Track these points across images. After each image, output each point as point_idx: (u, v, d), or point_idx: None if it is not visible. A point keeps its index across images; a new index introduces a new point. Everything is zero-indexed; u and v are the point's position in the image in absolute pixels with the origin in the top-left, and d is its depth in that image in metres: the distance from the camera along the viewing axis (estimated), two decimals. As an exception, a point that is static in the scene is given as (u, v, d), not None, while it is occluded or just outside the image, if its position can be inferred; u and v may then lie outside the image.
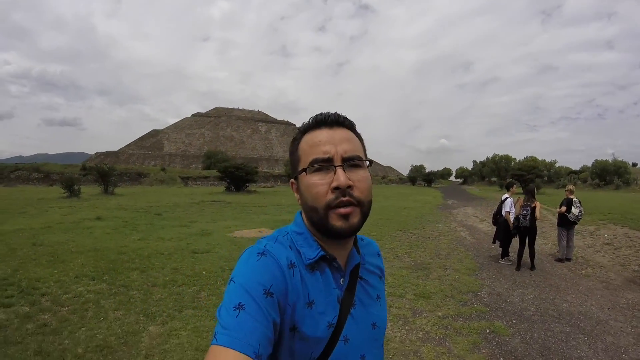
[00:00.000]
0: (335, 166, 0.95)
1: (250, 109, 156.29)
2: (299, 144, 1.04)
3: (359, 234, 1.18)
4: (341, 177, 0.93)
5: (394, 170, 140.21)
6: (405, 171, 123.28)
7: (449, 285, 6.81)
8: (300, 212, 1.09)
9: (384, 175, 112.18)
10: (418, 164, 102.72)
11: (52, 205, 19.91)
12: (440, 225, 15.08)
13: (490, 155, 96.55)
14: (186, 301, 5.71)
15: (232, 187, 36.73)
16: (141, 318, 5.06)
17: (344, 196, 0.93)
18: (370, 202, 1.00)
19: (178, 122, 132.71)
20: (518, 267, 8.19)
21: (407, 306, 5.76)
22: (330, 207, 0.94)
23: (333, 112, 1.04)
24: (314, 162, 0.97)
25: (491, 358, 4.21)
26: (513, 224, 8.64)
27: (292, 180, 1.08)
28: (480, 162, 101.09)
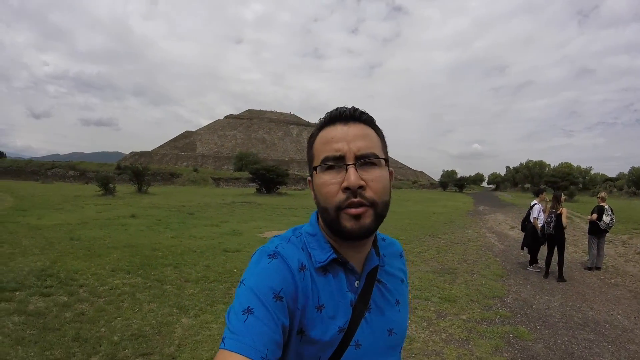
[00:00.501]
0: (347, 165, 0.90)
1: (282, 111, 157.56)
2: (315, 141, 0.99)
3: (380, 233, 1.16)
4: (352, 176, 0.88)
5: (425, 174, 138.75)
6: (436, 176, 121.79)
7: (475, 290, 6.83)
8: (317, 212, 1.04)
9: (415, 180, 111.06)
10: (449, 169, 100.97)
11: (88, 202, 20.62)
12: (470, 231, 14.98)
13: (523, 161, 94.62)
14: (217, 296, 5.92)
15: (263, 189, 36.96)
16: (174, 310, 5.29)
17: (355, 197, 0.88)
18: (385, 203, 0.94)
19: (211, 123, 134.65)
20: (546, 275, 8.11)
21: (432, 309, 5.82)
22: (340, 207, 0.89)
23: (350, 106, 0.98)
24: (325, 160, 0.92)
25: (512, 361, 4.23)
26: (541, 231, 8.57)
27: (309, 178, 1.04)
28: (514, 168, 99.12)
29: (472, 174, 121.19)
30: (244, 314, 0.81)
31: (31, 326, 4.63)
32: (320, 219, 1.02)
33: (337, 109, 0.98)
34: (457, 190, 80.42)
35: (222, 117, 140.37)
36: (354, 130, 0.94)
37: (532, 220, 8.86)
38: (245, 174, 52.40)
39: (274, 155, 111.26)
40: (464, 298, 6.37)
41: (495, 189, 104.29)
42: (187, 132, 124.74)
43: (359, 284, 0.99)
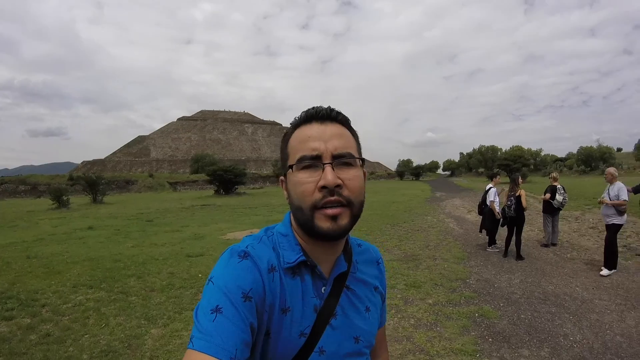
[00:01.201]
0: (324, 164, 0.89)
1: (237, 110, 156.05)
2: (289, 139, 0.98)
3: (357, 238, 1.16)
4: (329, 175, 0.86)
5: (382, 165, 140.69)
6: (393, 166, 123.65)
7: (439, 274, 7.01)
8: (290, 213, 1.03)
9: (372, 170, 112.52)
10: (405, 159, 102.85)
11: (42, 217, 19.82)
12: (429, 218, 15.35)
13: (476, 146, 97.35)
14: (185, 303, 5.83)
15: (222, 190, 36.62)
16: (142, 322, 5.17)
17: (332, 195, 0.87)
18: (361, 203, 0.94)
19: (164, 127, 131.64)
20: (505, 254, 8.42)
21: (398, 296, 5.95)
22: (316, 207, 0.88)
23: (326, 106, 0.97)
24: (301, 159, 0.91)
25: (480, 339, 4.40)
26: (500, 214, 8.87)
27: (282, 177, 1.01)
28: (467, 153, 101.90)
29: (428, 162, 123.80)
30: (212, 313, 0.80)
31: (-4, 353, 4.44)
32: (293, 220, 1.00)
33: (313, 107, 0.97)
34: (414, 178, 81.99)
35: (175, 120, 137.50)
36: (330, 129, 0.93)
37: (488, 203, 9.14)
38: (203, 176, 51.76)
39: (230, 155, 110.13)
40: (428, 283, 6.53)
41: (451, 175, 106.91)
42: (140, 137, 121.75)
43: (326, 290, 0.98)
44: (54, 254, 9.62)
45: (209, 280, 0.87)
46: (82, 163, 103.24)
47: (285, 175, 0.98)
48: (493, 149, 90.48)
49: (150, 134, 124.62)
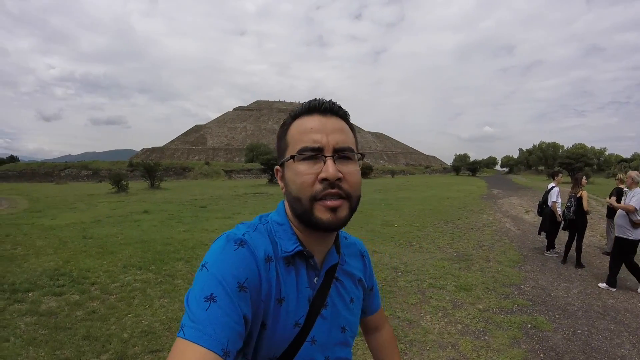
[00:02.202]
0: (326, 156, 0.90)
1: (290, 100, 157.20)
2: (289, 129, 0.98)
3: (343, 232, 1.16)
4: (330, 168, 0.88)
5: (437, 159, 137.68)
6: (448, 160, 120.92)
7: (491, 278, 6.68)
8: (284, 202, 1.04)
9: (427, 164, 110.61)
10: (462, 153, 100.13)
11: (101, 200, 20.75)
12: (484, 216, 14.76)
13: (536, 142, 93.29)
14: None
15: (275, 179, 36.98)
16: (185, 306, 5.24)
17: (332, 188, 0.89)
18: (358, 197, 0.95)
19: (220, 116, 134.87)
20: (564, 260, 7.91)
21: (447, 298, 5.70)
22: (315, 198, 0.89)
23: (328, 99, 0.98)
24: (302, 150, 0.91)
25: (531, 354, 4.11)
26: (561, 216, 8.35)
27: (277, 167, 1.02)
28: (527, 150, 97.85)
29: (485, 157, 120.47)
30: (206, 301, 0.79)
31: (43, 326, 4.63)
32: (288, 209, 1.01)
33: (315, 99, 0.97)
34: (470, 174, 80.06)
35: (231, 110, 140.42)
36: (332, 123, 0.95)
37: (550, 204, 8.62)
38: (257, 165, 52.56)
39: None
40: (480, 286, 6.23)
41: (509, 172, 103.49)
42: (197, 126, 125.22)
43: (318, 281, 1.00)
44: (109, 235, 10.01)
45: (202, 266, 0.86)
46: (141, 150, 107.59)
47: (282, 165, 0.99)
48: (554, 146, 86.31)
49: (206, 123, 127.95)
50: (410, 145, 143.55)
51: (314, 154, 0.90)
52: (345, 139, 0.94)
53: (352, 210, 0.93)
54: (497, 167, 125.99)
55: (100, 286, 6.05)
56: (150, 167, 32.34)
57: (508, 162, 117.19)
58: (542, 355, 4.09)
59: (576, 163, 51.07)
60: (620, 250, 6.31)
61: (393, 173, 75.02)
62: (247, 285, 0.84)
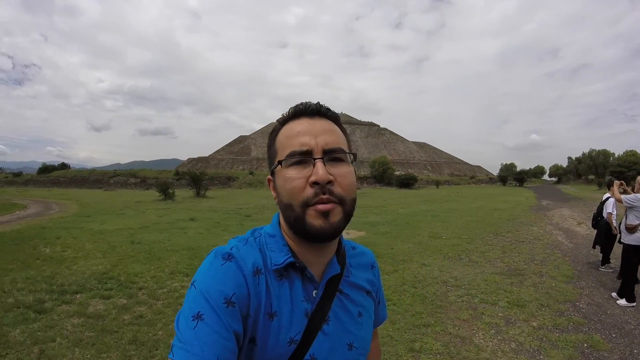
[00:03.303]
0: (315, 159, 0.86)
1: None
2: (277, 136, 0.95)
3: (352, 242, 1.13)
4: (320, 170, 0.84)
5: (482, 169, 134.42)
6: (494, 170, 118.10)
7: (545, 294, 6.34)
8: (278, 214, 0.99)
9: (472, 174, 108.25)
10: (508, 162, 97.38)
11: (149, 207, 21.44)
12: (535, 228, 14.20)
13: (586, 150, 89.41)
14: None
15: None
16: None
17: (324, 193, 0.84)
18: (353, 200, 0.90)
19: (264, 127, 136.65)
20: (619, 276, 7.38)
21: (499, 314, 5.44)
22: (307, 204, 0.84)
23: (315, 102, 0.94)
24: (291, 154, 0.88)
25: (588, 374, 3.82)
26: (617, 228, 7.80)
27: (269, 176, 0.98)
28: (576, 158, 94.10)
29: (532, 167, 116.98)
30: (193, 320, 0.77)
31: (90, 328, 4.71)
32: (282, 221, 0.96)
33: (302, 103, 0.94)
34: (517, 184, 77.80)
35: (274, 121, 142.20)
36: (320, 124, 0.91)
37: (605, 215, 8.10)
38: (300, 175, 53.06)
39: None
40: (533, 302, 5.91)
41: (558, 182, 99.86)
42: (241, 136, 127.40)
43: (317, 294, 0.94)
44: (156, 242, 10.23)
45: (191, 284, 0.84)
46: (187, 160, 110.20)
47: (273, 174, 0.95)
48: (604, 154, 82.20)
49: (251, 134, 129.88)
50: (455, 155, 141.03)
51: (303, 157, 0.87)
52: (335, 139, 0.90)
53: (347, 215, 0.88)
54: (545, 177, 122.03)
55: (148, 291, 6.14)
56: (196, 176, 33.15)
57: (556, 171, 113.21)
58: (600, 375, 3.81)
59: (628, 171, 48.65)
60: (622, 256, 6.44)
61: (438, 183, 73.94)
62: (236, 300, 0.81)
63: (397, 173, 75.05)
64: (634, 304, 5.91)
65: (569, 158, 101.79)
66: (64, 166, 72.51)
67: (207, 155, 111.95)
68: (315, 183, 0.84)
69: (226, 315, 0.78)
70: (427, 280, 7.06)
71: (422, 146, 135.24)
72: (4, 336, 4.40)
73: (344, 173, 0.88)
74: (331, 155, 0.87)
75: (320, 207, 0.84)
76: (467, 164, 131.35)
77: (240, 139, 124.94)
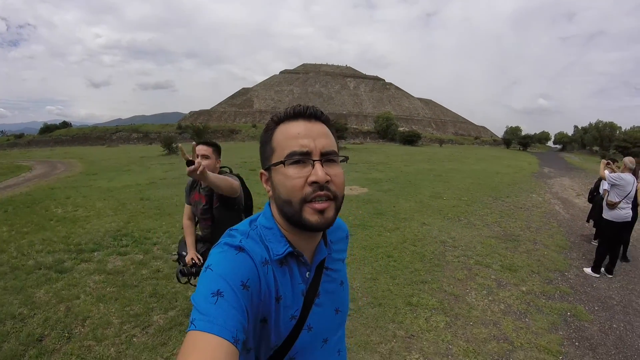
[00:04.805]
0: (314, 160, 0.97)
1: (338, 64, 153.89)
2: (273, 134, 1.04)
3: None
4: (319, 171, 0.95)
5: (487, 130, 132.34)
6: (499, 132, 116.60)
7: (537, 261, 6.65)
8: (269, 204, 1.10)
9: (477, 135, 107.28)
10: (514, 125, 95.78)
11: (154, 162, 21.58)
12: (534, 196, 14.34)
13: (593, 121, 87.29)
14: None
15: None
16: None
17: (322, 190, 0.95)
18: (343, 197, 1.02)
19: (266, 79, 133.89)
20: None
21: (492, 277, 5.79)
22: (305, 201, 0.95)
23: (310, 105, 1.05)
24: (291, 154, 0.97)
25: (567, 341, 4.16)
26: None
27: (263, 171, 1.08)
28: (582, 127, 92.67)
29: (538, 132, 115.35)
30: (213, 296, 0.84)
31: (111, 284, 5.01)
32: (274, 211, 1.07)
33: (299, 105, 1.04)
34: (521, 148, 77.15)
35: (278, 73, 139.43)
36: (317, 128, 1.02)
37: (602, 192, 8.04)
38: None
39: (331, 109, 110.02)
40: (525, 268, 6.24)
41: (562, 150, 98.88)
42: (244, 89, 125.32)
43: (310, 275, 1.08)
44: (165, 197, 10.53)
45: (206, 268, 0.92)
46: (189, 113, 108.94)
47: (268, 170, 1.05)
48: (611, 127, 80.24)
49: (253, 87, 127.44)
50: (461, 114, 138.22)
51: (303, 158, 0.97)
52: (330, 143, 1.01)
53: (338, 209, 1.01)
54: (550, 143, 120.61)
55: (162, 246, 6.47)
56: (199, 129, 33.14)
57: (561, 139, 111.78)
58: (577, 344, 4.14)
59: (633, 147, 47.70)
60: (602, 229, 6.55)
61: (441, 142, 73.48)
62: (250, 284, 0.91)
63: (401, 129, 74.46)
64: (598, 275, 6.23)
65: (575, 127, 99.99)
66: (65, 125, 71.86)
67: (209, 108, 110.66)
68: (314, 182, 0.95)
69: (242, 296, 0.87)
70: (427, 239, 7.42)
71: (428, 103, 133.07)
72: (29, 297, 4.62)
73: (338, 173, 1.00)
74: (327, 157, 0.99)
75: (317, 205, 0.95)
76: (472, 124, 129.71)
77: (243, 92, 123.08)
